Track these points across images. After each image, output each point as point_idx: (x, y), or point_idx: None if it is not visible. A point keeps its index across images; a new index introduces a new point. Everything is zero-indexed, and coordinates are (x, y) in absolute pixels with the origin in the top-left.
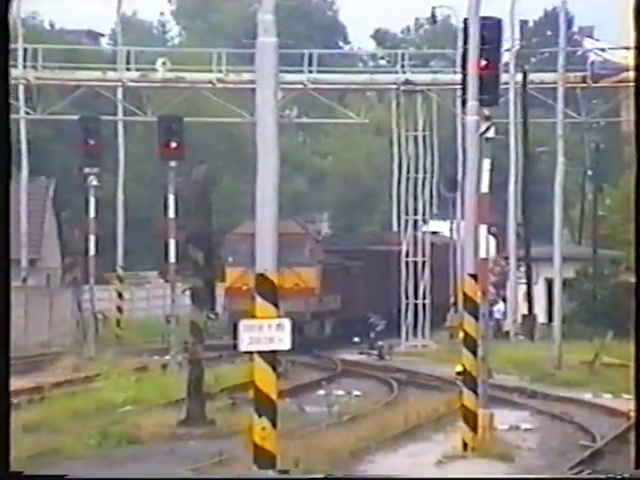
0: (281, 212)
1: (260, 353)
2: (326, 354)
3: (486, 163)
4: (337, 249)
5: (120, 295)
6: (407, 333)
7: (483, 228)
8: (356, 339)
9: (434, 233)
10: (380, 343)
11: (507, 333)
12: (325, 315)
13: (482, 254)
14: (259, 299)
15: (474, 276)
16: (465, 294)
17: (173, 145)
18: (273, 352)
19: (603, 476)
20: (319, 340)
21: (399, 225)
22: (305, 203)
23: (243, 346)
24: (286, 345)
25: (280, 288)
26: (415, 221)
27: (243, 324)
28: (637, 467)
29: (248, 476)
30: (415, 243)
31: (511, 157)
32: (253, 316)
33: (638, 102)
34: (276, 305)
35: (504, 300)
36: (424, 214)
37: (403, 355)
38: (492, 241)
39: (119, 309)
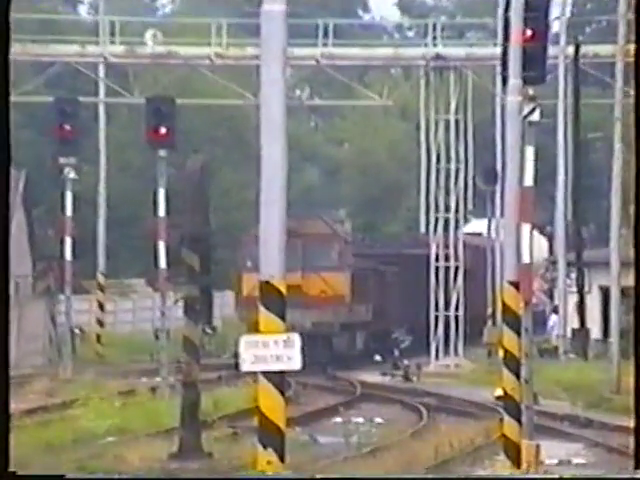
0: (290, 209)
1: (266, 374)
2: (343, 375)
3: (530, 151)
4: (369, 252)
5: (101, 306)
6: (437, 350)
7: (526, 227)
8: (378, 357)
9: (472, 234)
10: (406, 362)
11: (556, 350)
12: (356, 327)
13: (525, 258)
14: (264, 311)
15: (515, 284)
16: (505, 304)
17: (163, 131)
18: (281, 373)
19: (603, 476)
20: (350, 356)
21: (428, 224)
22: (318, 198)
23: (246, 366)
24: (296, 364)
25: (305, 296)
26: (446, 219)
27: (245, 340)
28: (637, 467)
29: (248, 476)
30: (447, 245)
31: (559, 144)
32: (257, 331)
33: (638, 101)
34: (283, 318)
35: (555, 311)
36: (457, 211)
37: (433, 376)
38: (544, 243)
39: (100, 323)
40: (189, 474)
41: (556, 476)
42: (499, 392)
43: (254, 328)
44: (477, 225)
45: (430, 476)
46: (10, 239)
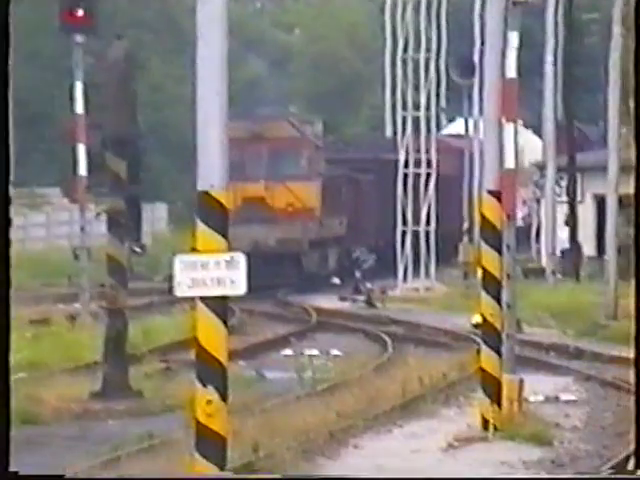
0: (231, 106)
1: (205, 300)
2: (295, 300)
3: (513, 37)
4: (341, 157)
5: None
6: (405, 272)
7: (509, 127)
8: (336, 280)
9: (451, 136)
10: (369, 285)
11: (542, 271)
12: (328, 243)
13: (509, 163)
14: (202, 226)
15: (496, 193)
16: (484, 217)
17: (80, 12)
18: (223, 298)
19: (603, 476)
20: (321, 276)
21: (395, 124)
22: (264, 93)
23: (181, 290)
24: (240, 289)
25: (270, 209)
26: (416, 118)
27: (180, 260)
28: (637, 467)
29: (248, 476)
30: (418, 149)
31: (548, 26)
32: (194, 249)
33: (638, 105)
34: (225, 235)
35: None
36: (428, 109)
37: (400, 301)
38: (539, 144)
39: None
40: (115, 416)
41: (556, 476)
42: (477, 319)
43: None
44: (455, 127)
45: (432, 477)
46: (10, 237)
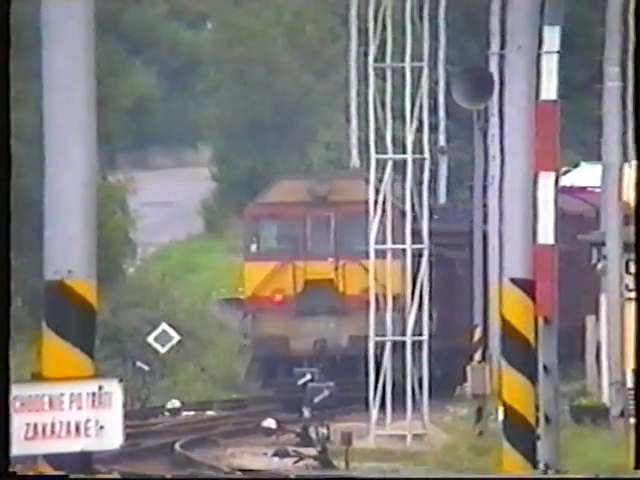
0: (102, 143)
1: (52, 460)
2: (203, 455)
3: (553, 35)
4: (430, 229)
5: None
6: (382, 408)
7: (546, 179)
8: (270, 423)
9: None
10: (323, 430)
11: (604, 410)
12: (414, 345)
13: (545, 235)
14: (52, 337)
15: (525, 283)
16: (505, 322)
17: None
18: (86, 456)
19: (603, 476)
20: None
21: (366, 173)
22: (156, 123)
23: (14, 446)
24: (114, 440)
25: (341, 296)
26: (400, 164)
27: (15, 394)
28: (637, 467)
29: (248, 476)
30: (402, 214)
31: (610, 21)
32: (39, 374)
33: (637, 107)
34: (90, 352)
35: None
36: (419, 149)
37: (373, 457)
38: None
39: None
40: None
41: (556, 476)
42: None
43: (270, 346)
44: None
45: (435, 476)
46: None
